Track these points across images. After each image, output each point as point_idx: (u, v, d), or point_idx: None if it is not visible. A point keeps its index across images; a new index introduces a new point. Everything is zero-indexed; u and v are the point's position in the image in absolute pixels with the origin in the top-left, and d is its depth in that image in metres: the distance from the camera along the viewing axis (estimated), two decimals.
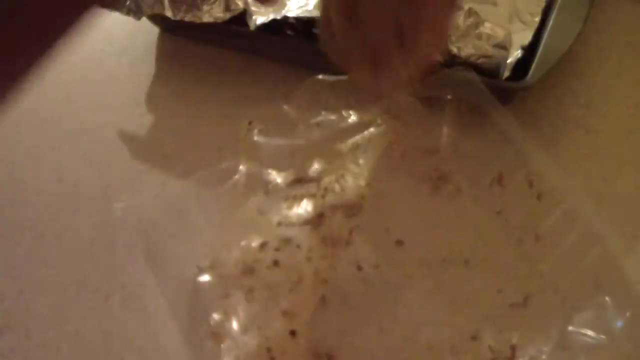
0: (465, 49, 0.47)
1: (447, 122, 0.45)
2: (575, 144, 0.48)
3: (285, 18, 0.49)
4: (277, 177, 0.42)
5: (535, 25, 0.49)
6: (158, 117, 0.52)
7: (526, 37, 0.48)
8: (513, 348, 0.39)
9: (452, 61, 0.47)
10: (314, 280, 0.39)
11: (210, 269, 0.41)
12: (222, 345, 0.38)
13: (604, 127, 0.49)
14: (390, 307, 0.41)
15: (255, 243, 0.40)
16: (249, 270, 0.40)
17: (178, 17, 0.50)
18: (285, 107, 0.43)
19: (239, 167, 0.41)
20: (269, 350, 0.37)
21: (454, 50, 0.47)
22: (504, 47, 0.46)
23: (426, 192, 0.45)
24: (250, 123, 0.42)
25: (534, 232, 0.42)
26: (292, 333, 0.37)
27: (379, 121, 0.42)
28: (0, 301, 0.43)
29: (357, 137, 0.42)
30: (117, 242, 0.40)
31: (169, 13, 0.50)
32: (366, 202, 0.41)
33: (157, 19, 0.54)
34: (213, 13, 0.50)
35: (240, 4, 0.49)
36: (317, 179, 0.41)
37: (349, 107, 0.42)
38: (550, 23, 0.48)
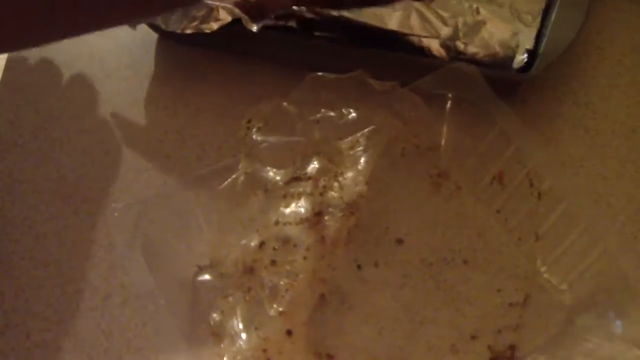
0: (471, 46, 0.46)
1: (447, 120, 0.45)
2: (575, 144, 0.48)
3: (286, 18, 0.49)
4: (276, 176, 0.42)
5: (537, 26, 0.49)
6: (158, 117, 0.52)
7: (529, 38, 0.48)
8: (512, 348, 0.39)
9: (458, 57, 0.47)
10: (312, 280, 0.39)
11: (210, 268, 0.41)
12: (221, 345, 0.38)
13: (604, 127, 0.48)
14: (390, 306, 0.41)
15: (254, 242, 0.40)
16: (248, 269, 0.40)
17: (170, 29, 0.50)
18: (285, 104, 0.43)
19: (238, 165, 0.41)
20: (265, 351, 0.37)
21: (461, 46, 0.47)
22: (510, 46, 0.46)
23: (426, 191, 0.45)
24: (249, 121, 0.42)
25: (534, 232, 0.42)
26: (289, 333, 0.37)
27: (379, 119, 0.42)
28: (0, 301, 0.43)
29: (357, 135, 0.42)
30: (117, 241, 0.40)
31: (161, 23, 0.50)
32: (365, 201, 0.41)
33: (154, 27, 0.54)
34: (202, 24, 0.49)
35: (229, 16, 0.48)
36: (316, 177, 0.41)
37: (348, 104, 0.42)
38: (552, 19, 0.48)
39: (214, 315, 0.39)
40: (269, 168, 0.41)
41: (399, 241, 0.44)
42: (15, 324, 0.42)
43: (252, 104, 0.44)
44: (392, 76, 0.44)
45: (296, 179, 0.41)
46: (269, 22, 0.48)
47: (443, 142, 0.46)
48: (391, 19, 0.47)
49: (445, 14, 0.48)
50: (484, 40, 0.47)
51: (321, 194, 0.40)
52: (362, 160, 0.41)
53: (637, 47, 0.53)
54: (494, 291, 0.41)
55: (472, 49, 0.47)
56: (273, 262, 0.39)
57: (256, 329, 0.37)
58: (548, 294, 0.41)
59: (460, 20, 0.47)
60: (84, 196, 0.48)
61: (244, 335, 0.38)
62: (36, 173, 0.49)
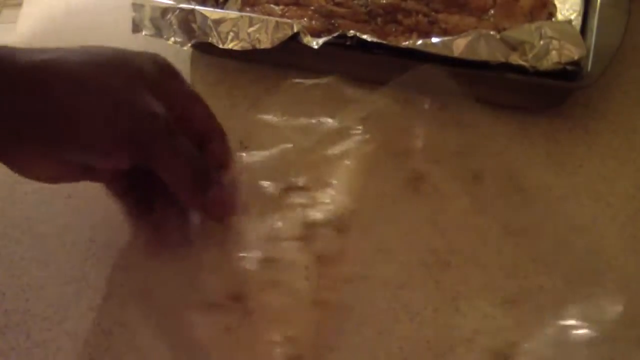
0: (539, 65, 0.46)
1: (424, 121, 0.45)
2: (574, 144, 0.48)
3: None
4: (268, 188, 0.41)
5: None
6: None
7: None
8: (511, 345, 0.39)
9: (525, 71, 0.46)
10: (315, 302, 0.39)
11: None
12: None
13: (604, 127, 0.48)
14: (390, 306, 0.41)
15: (247, 259, 0.40)
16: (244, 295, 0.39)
17: (227, 47, 0.50)
18: (259, 116, 0.42)
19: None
20: None
21: (529, 69, 0.46)
22: (578, 63, 0.46)
23: (408, 195, 0.44)
24: (241, 142, 0.42)
25: (533, 232, 0.42)
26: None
27: (359, 126, 0.41)
28: (0, 301, 0.43)
29: (342, 143, 0.41)
30: (117, 241, 0.40)
31: (215, 41, 0.50)
32: (355, 214, 0.40)
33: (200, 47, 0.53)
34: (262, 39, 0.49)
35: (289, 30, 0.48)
36: (306, 188, 0.41)
37: (327, 112, 0.42)
38: (595, 21, 0.48)
39: None
40: (260, 182, 0.41)
41: (387, 250, 0.43)
42: (15, 324, 0.42)
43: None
44: (369, 76, 0.43)
45: (287, 190, 0.41)
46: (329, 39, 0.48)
47: (421, 144, 0.45)
48: (459, 47, 0.46)
49: (512, 39, 0.46)
50: (552, 62, 0.46)
51: (312, 206, 0.40)
52: (347, 170, 0.41)
53: (637, 46, 0.53)
54: (494, 291, 0.41)
55: (540, 68, 0.46)
56: (270, 282, 0.39)
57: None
58: (544, 290, 0.41)
59: (527, 45, 0.46)
60: (84, 196, 0.48)
61: None
62: None
